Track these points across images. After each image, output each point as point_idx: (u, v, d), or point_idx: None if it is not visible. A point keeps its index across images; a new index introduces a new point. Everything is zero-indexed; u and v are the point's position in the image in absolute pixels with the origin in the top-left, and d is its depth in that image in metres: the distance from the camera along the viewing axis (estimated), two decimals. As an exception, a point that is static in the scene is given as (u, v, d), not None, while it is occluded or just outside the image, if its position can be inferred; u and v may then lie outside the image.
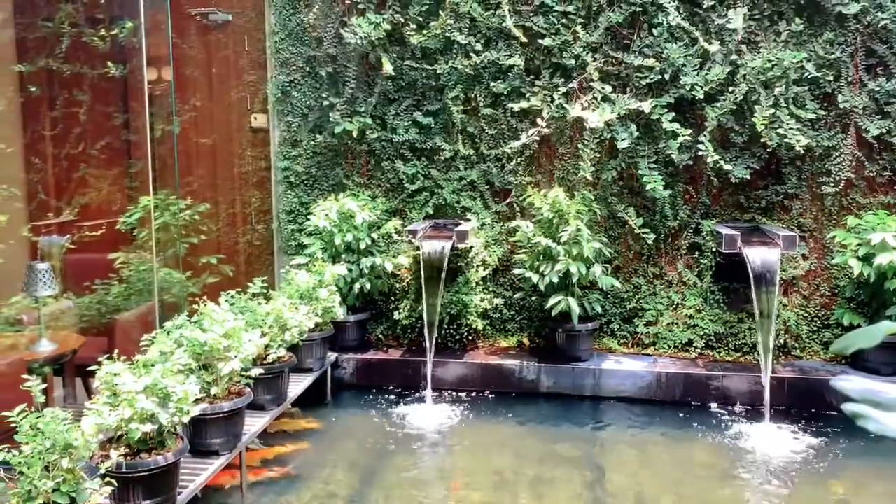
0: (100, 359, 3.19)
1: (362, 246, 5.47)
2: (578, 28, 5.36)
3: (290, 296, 4.74)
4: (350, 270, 5.44)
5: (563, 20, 5.40)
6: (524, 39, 5.36)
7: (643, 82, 5.31)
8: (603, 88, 5.32)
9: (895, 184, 5.33)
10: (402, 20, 5.51)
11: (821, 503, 4.08)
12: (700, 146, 5.17)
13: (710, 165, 5.22)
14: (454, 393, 5.46)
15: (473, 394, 5.45)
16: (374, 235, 5.60)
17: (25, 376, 2.91)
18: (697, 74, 5.18)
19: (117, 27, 5.19)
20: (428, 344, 5.27)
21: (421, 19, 5.51)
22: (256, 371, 3.94)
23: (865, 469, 4.38)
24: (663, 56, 5.23)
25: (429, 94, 5.70)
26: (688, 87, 5.17)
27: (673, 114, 5.22)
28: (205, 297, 4.07)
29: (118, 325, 4.65)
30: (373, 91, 5.73)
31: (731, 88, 5.14)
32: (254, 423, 4.12)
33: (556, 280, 5.11)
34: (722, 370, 5.29)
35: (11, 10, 5.20)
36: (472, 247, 5.48)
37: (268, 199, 6.14)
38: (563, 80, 5.45)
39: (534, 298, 5.60)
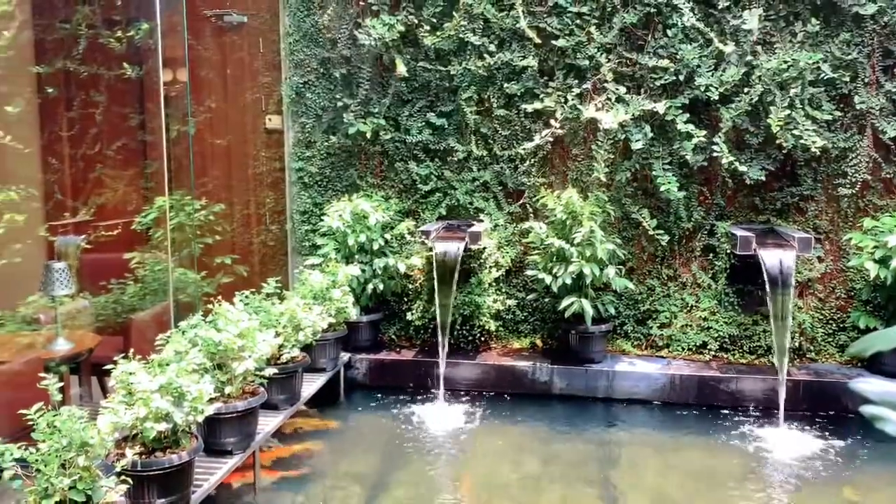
0: (115, 358, 3.21)
1: (375, 247, 5.48)
2: (592, 29, 5.35)
3: (304, 296, 4.75)
4: (363, 271, 5.45)
5: (578, 21, 5.39)
6: (538, 40, 5.36)
7: (657, 83, 5.29)
8: (617, 89, 5.30)
9: (912, 185, 5.29)
10: (416, 21, 5.52)
11: (836, 507, 4.05)
12: (715, 147, 5.14)
13: (725, 167, 5.19)
14: (467, 394, 5.46)
15: (486, 395, 5.45)
16: (388, 236, 5.61)
17: (42, 375, 2.93)
18: (712, 75, 5.15)
19: (133, 29, 5.23)
20: (441, 345, 5.27)
21: (435, 21, 5.52)
22: (270, 371, 3.95)
23: (881, 473, 4.35)
24: (678, 57, 5.21)
25: (442, 95, 5.70)
26: (702, 88, 5.15)
27: (687, 115, 5.19)
28: (219, 297, 4.09)
29: (133, 324, 4.68)
30: (386, 92, 5.74)
31: (746, 89, 5.11)
32: (267, 423, 4.14)
33: (569, 281, 5.10)
34: (736, 372, 5.26)
35: (30, 13, 5.26)
36: (484, 248, 5.48)
37: (282, 200, 6.16)
38: (576, 81, 5.44)
39: (547, 300, 5.59)
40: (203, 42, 6.04)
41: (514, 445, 4.69)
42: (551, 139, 5.47)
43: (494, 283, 5.63)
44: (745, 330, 5.49)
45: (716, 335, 5.51)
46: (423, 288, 5.69)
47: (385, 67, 5.72)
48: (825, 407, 5.06)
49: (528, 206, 5.70)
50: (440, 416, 5.07)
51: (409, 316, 5.71)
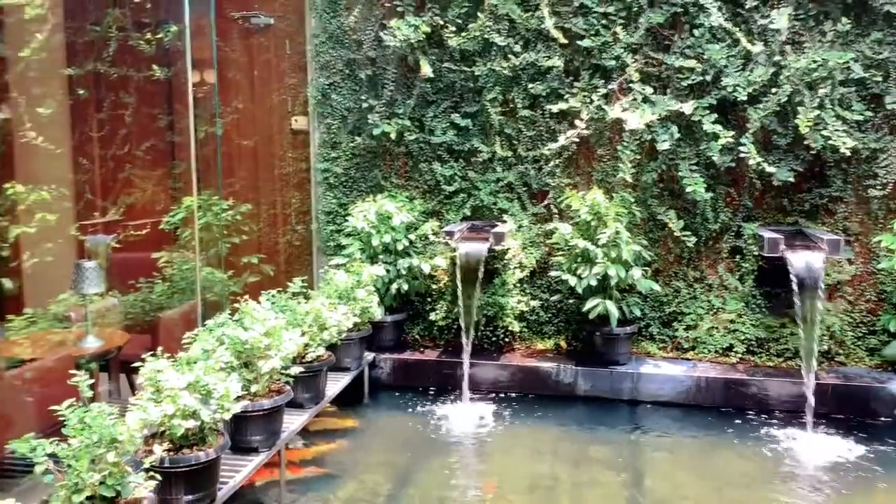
0: (144, 355, 3.26)
1: (399, 247, 5.50)
2: (618, 29, 5.32)
3: (329, 296, 4.78)
4: (387, 271, 5.47)
5: (603, 21, 5.37)
6: (563, 41, 5.34)
7: (684, 83, 5.25)
8: (643, 90, 5.27)
9: (946, 187, 5.19)
10: (441, 22, 5.54)
11: (866, 513, 3.99)
12: (742, 148, 5.09)
13: (753, 168, 5.13)
14: (490, 395, 5.45)
15: (510, 396, 5.44)
16: (412, 237, 5.63)
17: (73, 371, 2.98)
18: (740, 75, 5.10)
19: (162, 31, 5.30)
20: (464, 345, 5.27)
21: (460, 21, 5.53)
22: (296, 369, 3.98)
23: (913, 479, 4.27)
24: (705, 57, 5.17)
25: (467, 95, 5.71)
26: (730, 89, 5.10)
27: (714, 115, 5.15)
28: (246, 296, 4.13)
29: (161, 322, 4.74)
30: (411, 93, 5.76)
31: (774, 90, 5.05)
32: (293, 421, 4.16)
33: (594, 283, 5.08)
34: (763, 375, 5.21)
35: (62, 16, 5.35)
36: (508, 249, 5.48)
37: (307, 200, 6.21)
38: (602, 81, 5.42)
39: (571, 301, 5.57)
40: (230, 44, 6.10)
41: (538, 447, 4.68)
42: (576, 140, 5.45)
43: (518, 284, 5.63)
44: (773, 333, 5.43)
45: (742, 338, 5.46)
46: (446, 288, 5.70)
47: (410, 68, 5.74)
48: (855, 411, 4.99)
49: (552, 206, 5.68)
50: (464, 417, 5.07)
51: (432, 316, 5.72)
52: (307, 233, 6.23)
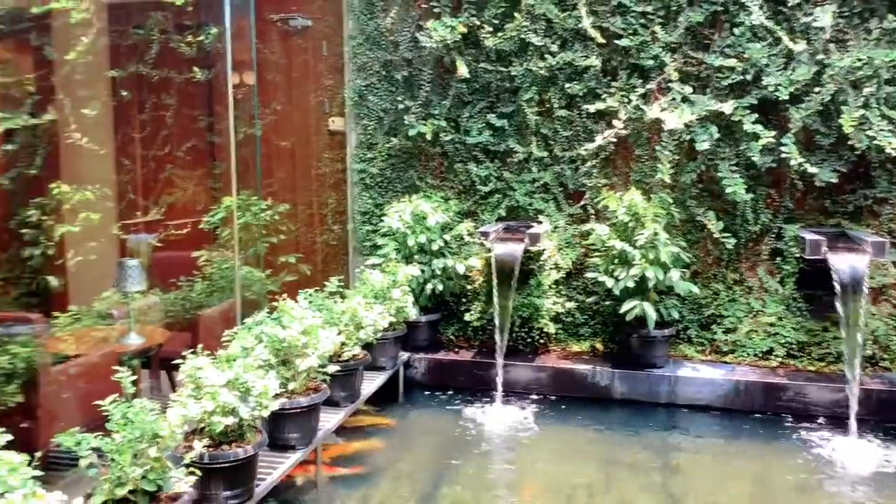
0: (184, 353, 3.31)
1: (434, 247, 5.52)
2: (657, 28, 5.27)
3: (365, 295, 4.81)
4: (422, 271, 5.49)
5: (642, 20, 5.32)
6: (601, 40, 5.30)
7: (724, 83, 5.18)
8: (682, 89, 5.21)
9: None
10: (478, 23, 5.54)
11: (911, 522, 3.89)
12: (783, 148, 5.00)
13: (794, 168, 5.04)
14: (525, 396, 5.43)
15: (544, 398, 5.41)
16: (447, 237, 5.63)
17: (116, 367, 3.04)
18: (781, 74, 5.01)
19: (203, 33, 5.38)
20: (499, 346, 5.26)
21: (496, 22, 5.52)
22: (332, 368, 4.01)
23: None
24: (745, 56, 5.09)
25: (503, 96, 5.70)
26: (771, 88, 5.01)
27: (755, 115, 5.07)
28: (284, 295, 4.18)
29: (201, 320, 4.81)
30: (447, 94, 5.77)
31: (817, 89, 4.96)
32: (329, 419, 4.20)
33: (631, 285, 5.03)
34: (805, 380, 5.11)
35: (106, 19, 5.46)
36: (544, 249, 5.45)
37: (343, 201, 6.25)
38: (640, 80, 5.37)
39: (608, 303, 5.52)
40: (269, 46, 6.17)
41: (572, 449, 4.65)
42: (614, 140, 5.40)
43: (554, 286, 5.60)
44: (815, 336, 5.32)
45: (783, 341, 5.36)
46: (481, 289, 5.69)
47: (446, 69, 5.75)
48: (900, 418, 4.88)
49: (589, 207, 5.65)
50: (498, 418, 5.06)
51: (467, 317, 5.72)
52: (343, 233, 6.28)
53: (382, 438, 4.75)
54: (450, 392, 5.52)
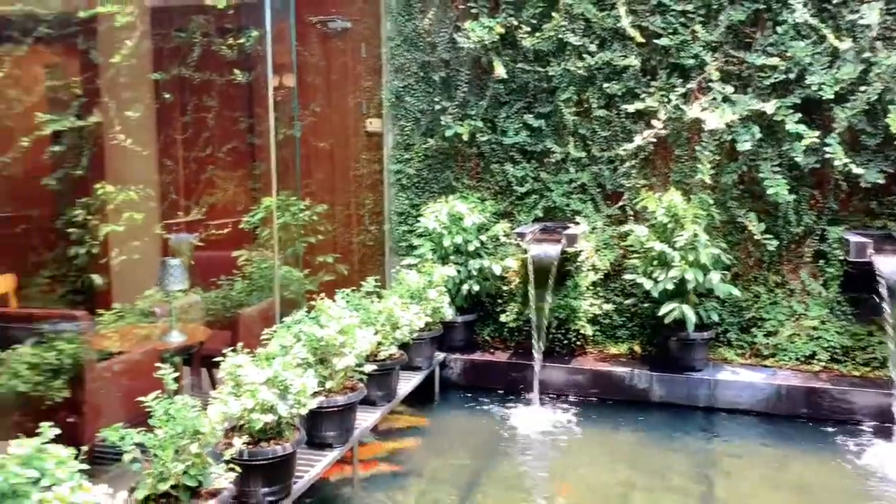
0: (224, 350, 3.36)
1: (471, 248, 5.52)
2: (697, 27, 5.20)
3: (401, 295, 4.83)
4: (458, 272, 5.49)
5: (682, 19, 5.25)
6: (640, 39, 5.25)
7: (766, 82, 5.09)
8: (723, 89, 5.13)
9: None
10: (515, 23, 5.52)
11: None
12: (828, 149, 4.90)
13: (839, 169, 4.93)
14: (561, 398, 5.40)
15: (581, 400, 5.38)
16: (483, 238, 5.63)
17: (158, 364, 3.10)
18: (826, 73, 4.91)
19: (244, 36, 5.46)
20: (535, 348, 5.24)
21: (534, 22, 5.51)
22: (369, 367, 4.04)
23: None
24: (788, 55, 5.00)
25: (540, 96, 5.67)
26: (815, 87, 4.91)
27: (798, 115, 4.97)
28: (322, 295, 4.21)
29: (241, 319, 4.88)
30: (484, 94, 5.76)
31: (863, 88, 4.84)
32: (366, 418, 4.23)
33: (670, 287, 4.97)
34: (849, 385, 5.00)
35: (149, 23, 5.58)
36: (581, 250, 5.41)
37: (380, 201, 6.29)
38: (680, 80, 5.30)
39: (646, 305, 5.46)
40: (309, 48, 6.23)
41: (610, 451, 4.61)
42: (653, 140, 5.34)
43: (591, 287, 5.56)
44: (859, 341, 5.20)
45: (826, 345, 5.25)
46: (517, 290, 5.67)
47: (483, 70, 5.75)
48: (949, 425, 4.74)
49: (627, 208, 5.59)
50: (534, 419, 5.04)
51: (503, 318, 5.71)
52: (380, 233, 6.31)
53: (418, 438, 4.76)
54: (485, 393, 5.51)
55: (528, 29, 5.49)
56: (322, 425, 3.82)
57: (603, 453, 4.59)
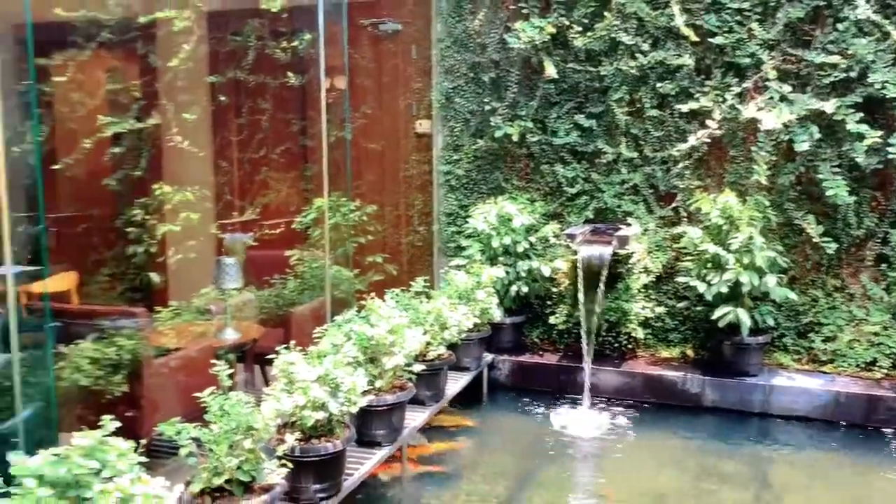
0: (277, 348, 3.41)
1: (520, 249, 5.49)
2: (754, 25, 5.09)
3: (450, 296, 4.84)
4: (507, 273, 5.47)
5: (737, 17, 5.15)
6: (694, 38, 5.16)
7: (826, 81, 4.95)
8: (780, 88, 5.01)
9: None
10: (567, 23, 5.48)
11: None
12: (890, 149, 4.74)
13: (903, 169, 4.78)
14: (611, 401, 5.34)
15: (631, 404, 5.31)
16: (532, 239, 5.60)
17: (214, 361, 3.16)
18: (889, 71, 4.76)
19: (297, 39, 5.54)
20: (585, 350, 5.20)
21: (586, 21, 5.46)
22: (418, 367, 4.05)
23: None
24: (849, 52, 4.85)
25: (591, 96, 5.62)
26: (877, 86, 4.76)
27: (860, 114, 4.82)
28: (372, 294, 4.25)
29: (293, 317, 4.95)
30: (534, 95, 5.74)
31: (929, 85, 4.68)
32: (414, 418, 4.25)
33: (724, 290, 4.87)
34: (912, 394, 4.83)
35: (206, 27, 5.70)
36: (633, 252, 5.34)
37: (429, 202, 6.31)
38: (736, 79, 5.19)
39: (699, 308, 5.36)
40: (360, 50, 6.29)
41: (660, 457, 4.54)
42: (707, 140, 5.25)
43: (643, 290, 5.48)
44: (924, 348, 5.03)
45: (888, 352, 5.08)
46: (567, 292, 5.63)
47: (533, 70, 5.72)
48: None
49: (680, 209, 5.50)
50: (583, 422, 5.00)
51: (552, 320, 5.67)
52: (428, 234, 6.33)
53: (466, 439, 4.76)
54: (533, 395, 5.48)
55: (580, 28, 5.44)
56: (371, 423, 3.85)
57: (653, 458, 4.53)
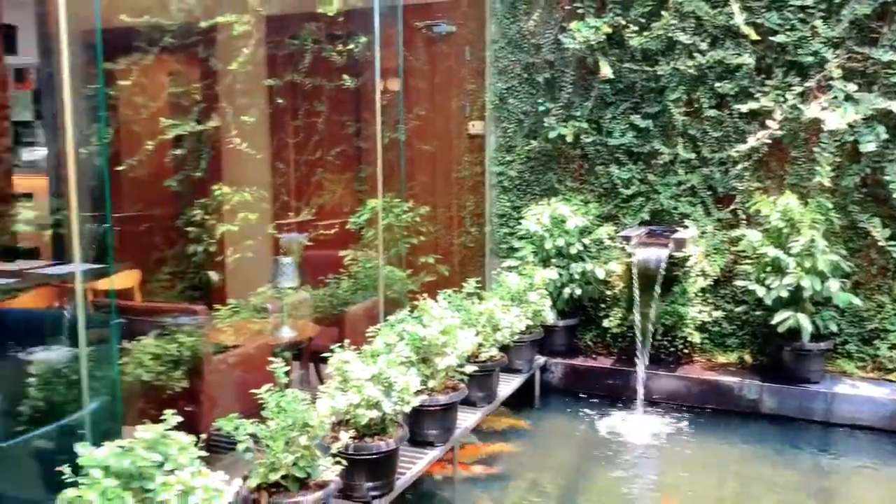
0: (332, 346, 3.45)
1: (573, 251, 5.45)
2: (817, 22, 4.95)
3: (502, 297, 4.83)
4: (560, 275, 5.43)
5: (800, 15, 5.01)
6: (755, 37, 5.05)
7: (894, 79, 4.78)
8: (845, 87, 4.86)
9: None
10: (623, 22, 5.42)
11: None
12: (964, 149, 4.56)
13: (977, 171, 4.58)
14: (665, 406, 5.26)
15: (687, 409, 5.21)
16: (586, 241, 5.54)
17: (271, 358, 3.21)
18: (963, 68, 4.58)
19: (353, 42, 5.61)
20: (640, 354, 5.13)
21: (642, 21, 5.39)
22: (470, 368, 4.05)
23: None
24: (920, 49, 4.69)
25: (647, 96, 5.54)
26: (950, 83, 4.59)
27: (931, 113, 4.65)
28: (424, 295, 4.27)
29: (347, 316, 5.00)
30: (589, 95, 5.68)
31: None
32: (466, 419, 4.25)
33: (784, 294, 4.75)
34: None
35: (265, 31, 5.81)
36: (690, 255, 5.25)
37: (481, 203, 6.31)
38: (798, 78, 5.06)
39: (758, 313, 5.24)
40: (414, 52, 6.33)
41: (715, 464, 4.45)
42: (768, 141, 5.13)
43: (700, 293, 5.38)
44: None
45: (960, 361, 4.88)
46: (621, 295, 5.56)
47: (588, 70, 5.67)
48: None
49: (739, 212, 5.38)
50: (637, 427, 4.93)
51: (606, 323, 5.61)
52: (480, 235, 6.34)
53: (518, 442, 4.74)
54: (587, 399, 5.43)
55: (636, 28, 5.38)
56: (424, 423, 3.86)
57: (709, 465, 4.44)
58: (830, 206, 5.00)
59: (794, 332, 4.85)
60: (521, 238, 5.70)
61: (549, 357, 5.60)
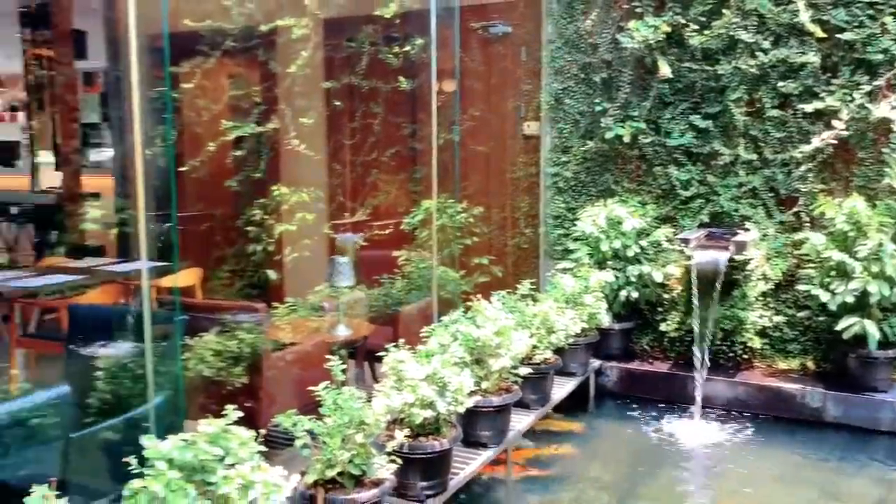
0: (387, 346, 3.48)
1: (630, 253, 5.38)
2: (887, 19, 4.78)
3: (557, 299, 4.79)
4: (616, 278, 5.37)
5: (869, 11, 4.85)
6: (821, 34, 4.91)
7: (970, 76, 4.60)
8: (917, 85, 4.69)
9: None
10: (682, 21, 5.33)
11: None
12: None
13: None
14: (724, 413, 5.15)
15: (746, 416, 5.09)
16: (643, 243, 5.47)
17: (328, 356, 3.26)
18: None
19: (410, 44, 5.65)
20: (698, 359, 5.03)
21: (703, 19, 5.29)
22: (524, 370, 4.04)
23: None
24: None
25: (707, 96, 5.43)
26: None
27: None
28: (478, 296, 4.27)
29: (401, 316, 5.04)
30: (647, 95, 5.60)
31: None
32: (520, 421, 4.23)
33: (849, 299, 4.60)
34: None
35: (322, 34, 5.90)
36: (751, 259, 5.12)
37: (536, 205, 6.28)
38: (866, 77, 4.90)
39: (821, 318, 5.08)
40: (470, 53, 6.34)
41: (776, 473, 4.34)
42: (833, 141, 4.98)
43: (761, 298, 5.25)
44: None
45: None
46: (679, 298, 5.46)
47: (647, 70, 5.59)
48: None
49: (802, 214, 5.23)
50: (694, 433, 4.84)
51: (663, 327, 5.52)
52: (535, 236, 6.30)
53: (572, 445, 4.71)
54: (642, 403, 5.35)
55: (696, 27, 5.28)
56: (477, 424, 3.86)
57: (769, 474, 4.33)
58: (900, 208, 4.83)
59: (860, 339, 4.70)
60: (576, 240, 5.65)
61: (605, 361, 5.53)
